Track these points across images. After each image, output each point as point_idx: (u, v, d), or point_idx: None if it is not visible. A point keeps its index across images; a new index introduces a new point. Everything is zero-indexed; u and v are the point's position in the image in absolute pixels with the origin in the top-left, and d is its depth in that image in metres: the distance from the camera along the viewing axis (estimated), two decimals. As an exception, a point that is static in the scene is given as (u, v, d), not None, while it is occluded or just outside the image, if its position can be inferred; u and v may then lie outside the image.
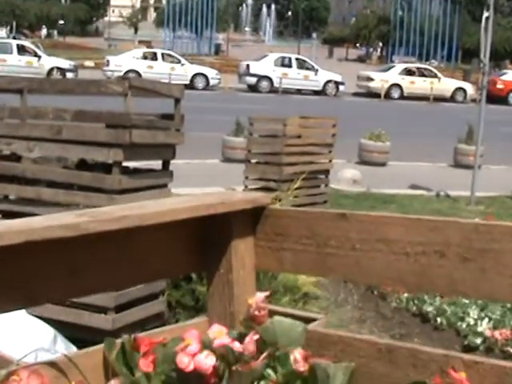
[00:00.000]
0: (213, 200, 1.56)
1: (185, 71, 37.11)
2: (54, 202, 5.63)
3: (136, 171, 6.33)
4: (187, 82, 33.87)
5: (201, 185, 11.88)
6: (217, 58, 55.58)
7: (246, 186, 11.07)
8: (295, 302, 7.16)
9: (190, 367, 1.36)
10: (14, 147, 6.06)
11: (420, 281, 1.42)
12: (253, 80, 36.65)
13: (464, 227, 1.37)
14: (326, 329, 1.62)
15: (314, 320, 6.27)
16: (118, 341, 1.50)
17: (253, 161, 10.97)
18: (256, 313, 1.50)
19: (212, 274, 1.64)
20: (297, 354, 1.40)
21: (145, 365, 1.44)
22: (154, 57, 39.02)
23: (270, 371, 1.45)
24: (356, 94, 38.59)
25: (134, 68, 36.57)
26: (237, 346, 1.40)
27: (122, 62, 37.88)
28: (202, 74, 37.43)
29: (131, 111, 5.72)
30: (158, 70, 35.97)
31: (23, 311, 4.87)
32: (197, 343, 1.37)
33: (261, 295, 1.51)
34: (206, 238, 1.63)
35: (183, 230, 1.59)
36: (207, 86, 36.36)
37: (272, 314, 4.97)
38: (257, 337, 1.45)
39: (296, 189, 9.83)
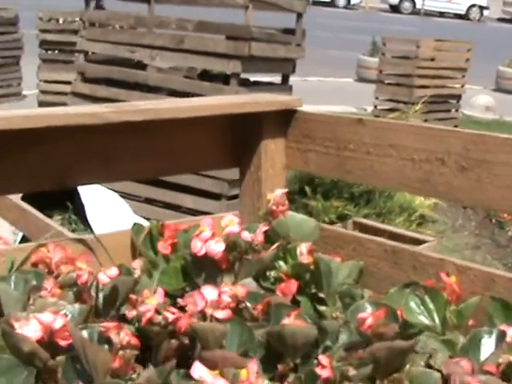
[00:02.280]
0: (241, 100, 1.65)
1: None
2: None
3: (255, 83, 6.44)
4: (327, 0, 33.42)
5: (331, 103, 11.89)
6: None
7: (375, 106, 11.05)
8: (409, 223, 7.16)
9: (202, 252, 1.47)
10: (137, 55, 6.27)
11: (424, 186, 1.48)
12: (395, 0, 35.67)
13: (463, 137, 1.41)
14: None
15: (424, 242, 6.22)
16: (147, 226, 1.63)
17: (384, 81, 10.91)
18: (274, 207, 1.59)
19: (244, 171, 1.74)
20: (303, 248, 1.49)
21: (163, 247, 1.56)
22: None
23: (281, 263, 1.55)
24: (501, 20, 36.97)
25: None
26: (245, 235, 1.50)
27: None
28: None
29: (251, 24, 5.81)
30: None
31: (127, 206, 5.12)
32: (210, 230, 1.48)
33: (280, 191, 1.60)
34: (238, 137, 1.72)
35: (217, 127, 1.69)
36: (348, 5, 35.53)
37: (381, 232, 5.01)
38: (265, 228, 1.55)
39: (426, 112, 9.75)
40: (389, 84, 10.88)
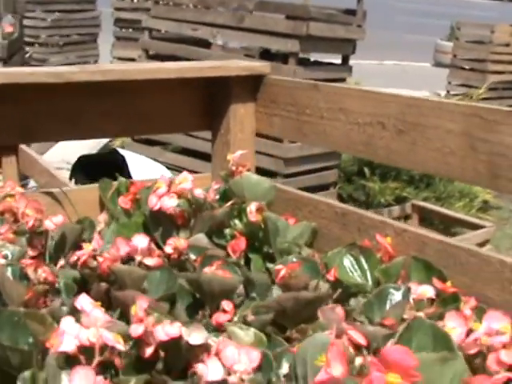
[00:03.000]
0: (205, 64, 1.71)
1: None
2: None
3: (315, 63, 6.47)
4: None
5: (406, 87, 11.79)
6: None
7: (447, 91, 10.92)
8: (469, 208, 7.11)
9: (157, 206, 1.55)
10: (199, 33, 6.36)
11: (367, 149, 1.52)
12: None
13: (401, 101, 1.44)
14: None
15: (481, 227, 6.16)
16: (115, 182, 1.71)
17: (458, 66, 10.78)
18: (233, 168, 1.65)
19: (215, 134, 1.81)
20: (252, 206, 1.55)
21: (123, 202, 1.64)
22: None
23: (236, 221, 1.62)
24: None
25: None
26: (198, 192, 1.56)
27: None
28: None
29: (310, 3, 5.83)
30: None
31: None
32: (165, 186, 1.55)
33: (239, 152, 1.66)
34: (209, 101, 1.79)
35: (187, 90, 1.76)
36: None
37: (440, 216, 5.04)
38: (217, 186, 1.62)
39: (498, 98, 9.60)
40: (462, 69, 10.74)
